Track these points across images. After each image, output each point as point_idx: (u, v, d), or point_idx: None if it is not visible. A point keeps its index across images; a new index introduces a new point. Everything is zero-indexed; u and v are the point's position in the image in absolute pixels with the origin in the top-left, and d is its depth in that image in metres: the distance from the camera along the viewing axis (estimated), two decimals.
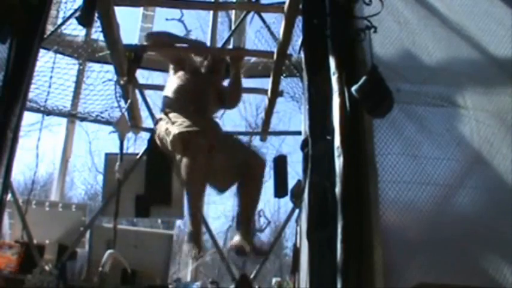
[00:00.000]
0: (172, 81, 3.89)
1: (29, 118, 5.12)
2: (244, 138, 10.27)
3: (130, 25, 5.99)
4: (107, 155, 5.48)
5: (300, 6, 3.15)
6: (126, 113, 4.93)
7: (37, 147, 3.97)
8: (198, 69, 3.80)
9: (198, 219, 3.55)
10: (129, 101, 4.67)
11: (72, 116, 5.69)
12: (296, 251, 3.77)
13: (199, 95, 3.79)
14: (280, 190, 4.70)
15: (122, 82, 4.30)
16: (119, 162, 4.57)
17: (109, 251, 4.24)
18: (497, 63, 2.52)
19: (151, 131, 5.30)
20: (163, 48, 3.80)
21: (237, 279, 4.86)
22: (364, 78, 2.12)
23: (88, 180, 11.53)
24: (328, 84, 2.29)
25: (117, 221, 4.32)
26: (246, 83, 5.24)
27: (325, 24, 2.40)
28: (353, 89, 2.13)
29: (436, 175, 2.21)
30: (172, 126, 3.50)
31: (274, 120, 5.69)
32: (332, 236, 2.02)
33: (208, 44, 5.85)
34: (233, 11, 6.14)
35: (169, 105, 3.80)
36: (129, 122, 5.18)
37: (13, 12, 2.42)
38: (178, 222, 9.50)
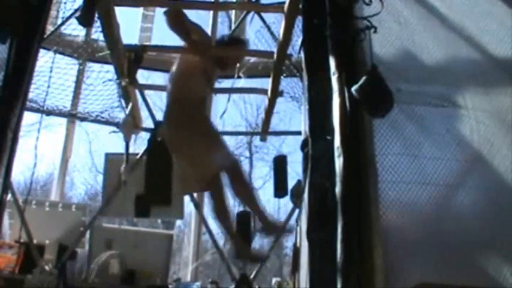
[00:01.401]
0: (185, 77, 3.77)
1: (29, 118, 5.12)
2: (245, 138, 10.37)
3: (131, 25, 5.99)
4: (107, 155, 5.50)
5: (300, 6, 3.15)
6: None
7: (36, 147, 3.96)
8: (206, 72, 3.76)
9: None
10: (131, 103, 4.69)
11: (72, 116, 5.69)
12: (296, 251, 3.77)
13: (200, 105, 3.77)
14: (280, 190, 4.71)
15: (123, 83, 4.30)
16: (125, 164, 4.58)
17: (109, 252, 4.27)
18: (497, 63, 2.52)
19: (152, 131, 5.32)
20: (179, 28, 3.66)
21: (237, 279, 4.86)
22: (364, 78, 2.12)
23: (88, 180, 11.52)
24: (328, 84, 2.29)
25: (114, 221, 4.35)
26: (246, 83, 5.26)
27: (325, 24, 2.40)
28: (353, 89, 2.13)
29: (436, 175, 2.21)
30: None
31: (274, 120, 5.70)
32: (332, 236, 2.02)
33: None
34: (233, 11, 6.14)
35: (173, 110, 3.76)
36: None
37: (13, 12, 2.41)
38: (178, 222, 9.51)
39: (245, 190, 3.70)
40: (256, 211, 3.74)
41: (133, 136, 5.22)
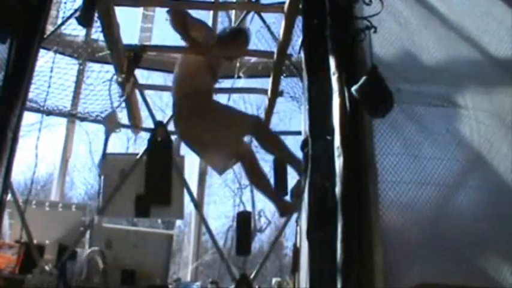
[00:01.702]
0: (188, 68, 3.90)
1: (29, 118, 5.11)
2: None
3: (131, 25, 5.99)
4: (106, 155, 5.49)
5: (300, 6, 3.15)
6: (125, 111, 4.93)
7: (36, 147, 3.96)
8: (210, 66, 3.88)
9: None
10: (123, 98, 4.67)
11: (72, 116, 5.69)
12: (296, 251, 3.77)
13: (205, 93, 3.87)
14: (280, 190, 4.70)
15: (119, 79, 4.30)
16: (101, 159, 4.57)
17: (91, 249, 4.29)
18: (497, 63, 2.52)
19: (152, 131, 5.31)
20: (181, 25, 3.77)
21: (237, 279, 4.86)
22: (364, 78, 2.12)
23: (88, 180, 11.52)
24: (328, 84, 2.29)
25: (111, 220, 4.35)
26: (246, 83, 5.27)
27: (325, 24, 2.40)
28: (353, 89, 2.13)
29: (436, 175, 2.21)
30: None
31: (274, 120, 5.71)
32: (332, 236, 2.02)
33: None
34: (233, 11, 6.13)
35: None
36: (129, 122, 5.20)
37: (13, 12, 2.41)
38: (178, 222, 9.50)
39: (273, 141, 3.89)
40: (289, 158, 3.91)
41: (133, 136, 5.22)
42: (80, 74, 5.51)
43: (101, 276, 4.32)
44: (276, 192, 3.91)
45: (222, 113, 3.84)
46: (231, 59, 4.20)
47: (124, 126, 5.29)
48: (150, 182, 4.89)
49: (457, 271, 2.08)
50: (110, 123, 4.66)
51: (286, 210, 3.96)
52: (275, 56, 4.29)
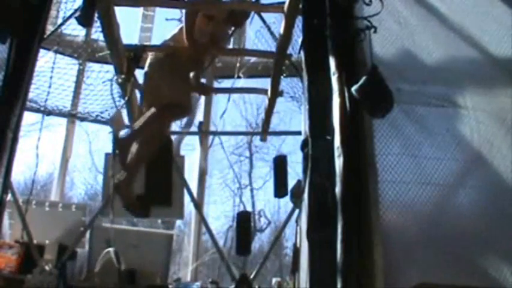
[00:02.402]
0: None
1: (29, 118, 5.12)
2: (245, 138, 10.36)
3: (131, 25, 5.99)
4: (107, 155, 5.48)
5: (300, 6, 3.15)
6: (123, 111, 4.93)
7: (37, 147, 3.96)
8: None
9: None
10: (126, 98, 4.66)
11: (72, 116, 5.69)
12: (296, 251, 3.77)
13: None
14: (280, 190, 4.70)
15: (119, 80, 4.30)
16: (112, 161, 4.57)
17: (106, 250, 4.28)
18: (497, 63, 2.52)
19: None
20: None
21: (237, 279, 4.86)
22: (364, 78, 2.12)
23: (88, 180, 11.53)
24: (328, 84, 2.29)
25: (114, 220, 4.36)
26: (246, 83, 5.27)
27: (325, 24, 2.40)
28: (353, 89, 2.13)
29: (436, 175, 2.21)
30: None
31: (275, 120, 5.72)
32: (332, 236, 2.02)
33: None
34: None
35: None
36: (129, 122, 5.18)
37: (13, 12, 2.42)
38: (178, 222, 9.50)
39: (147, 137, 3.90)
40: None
41: None
42: (80, 74, 5.51)
43: (117, 276, 4.33)
44: (127, 183, 3.92)
45: (181, 84, 3.87)
46: (238, 25, 4.30)
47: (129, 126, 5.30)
48: (150, 182, 4.88)
49: (457, 271, 2.08)
50: (116, 124, 4.66)
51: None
52: (275, 56, 4.29)
